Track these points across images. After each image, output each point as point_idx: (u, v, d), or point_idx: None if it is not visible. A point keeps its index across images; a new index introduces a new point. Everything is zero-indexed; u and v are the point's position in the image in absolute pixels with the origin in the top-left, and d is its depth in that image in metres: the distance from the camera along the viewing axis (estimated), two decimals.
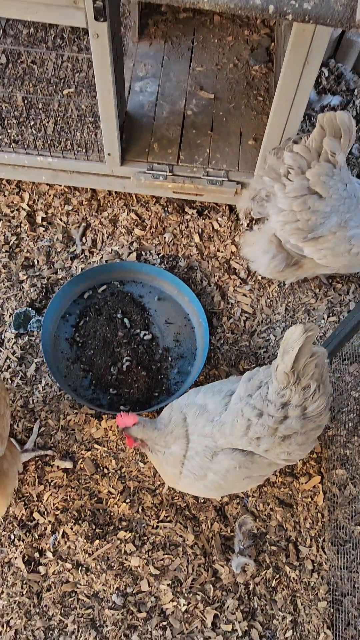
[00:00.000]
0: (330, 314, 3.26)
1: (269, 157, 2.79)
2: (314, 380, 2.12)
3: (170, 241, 3.42)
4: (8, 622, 2.46)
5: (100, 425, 2.89)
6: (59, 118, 3.36)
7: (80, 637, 2.45)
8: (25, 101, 3.42)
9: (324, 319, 3.24)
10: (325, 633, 2.52)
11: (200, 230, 3.45)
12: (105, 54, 2.42)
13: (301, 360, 2.04)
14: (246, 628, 2.52)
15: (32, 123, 3.33)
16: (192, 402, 2.37)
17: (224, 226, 3.45)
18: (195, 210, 3.49)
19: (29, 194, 3.49)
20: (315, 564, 2.66)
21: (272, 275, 3.06)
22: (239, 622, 2.52)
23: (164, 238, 3.42)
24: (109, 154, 3.03)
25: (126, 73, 3.35)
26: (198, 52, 3.61)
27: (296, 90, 2.50)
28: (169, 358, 3.08)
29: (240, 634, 2.50)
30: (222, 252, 3.40)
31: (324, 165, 2.58)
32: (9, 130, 3.26)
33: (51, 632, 2.46)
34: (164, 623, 2.50)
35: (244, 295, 3.30)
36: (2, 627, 2.45)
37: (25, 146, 3.16)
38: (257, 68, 3.56)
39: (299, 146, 2.63)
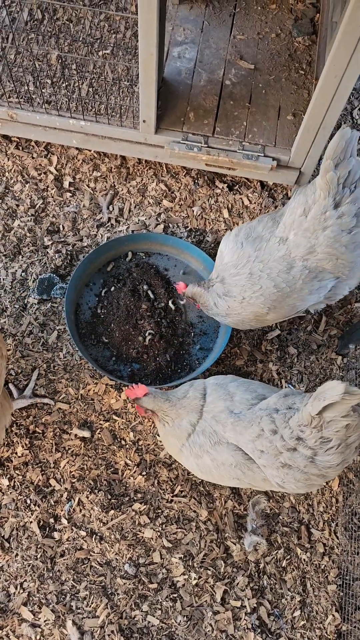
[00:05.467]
0: None
1: None
2: (337, 437, 2.08)
3: (199, 215, 3.35)
4: (22, 584, 2.49)
5: (120, 396, 2.87)
6: (93, 80, 3.25)
7: (92, 602, 2.48)
8: (60, 60, 3.31)
9: (358, 301, 3.19)
10: (333, 615, 2.54)
11: (230, 205, 3.37)
12: (153, 10, 2.31)
13: (329, 414, 2.01)
14: (255, 605, 2.54)
15: (65, 84, 3.23)
16: (223, 384, 2.35)
17: (255, 203, 3.37)
18: (226, 184, 3.41)
19: (58, 158, 3.41)
20: (326, 548, 2.67)
21: None
22: (248, 599, 2.55)
23: (193, 211, 3.35)
24: (144, 121, 2.94)
25: (165, 37, 3.23)
26: (240, 19, 3.48)
27: (347, 64, 2.38)
28: (192, 334, 3.04)
29: (248, 610, 2.53)
30: None
31: None
32: (42, 90, 3.17)
33: (63, 596, 2.49)
34: (174, 595, 2.53)
35: None
36: (16, 588, 2.48)
37: (58, 107, 3.07)
38: (300, 40, 3.42)
39: None
